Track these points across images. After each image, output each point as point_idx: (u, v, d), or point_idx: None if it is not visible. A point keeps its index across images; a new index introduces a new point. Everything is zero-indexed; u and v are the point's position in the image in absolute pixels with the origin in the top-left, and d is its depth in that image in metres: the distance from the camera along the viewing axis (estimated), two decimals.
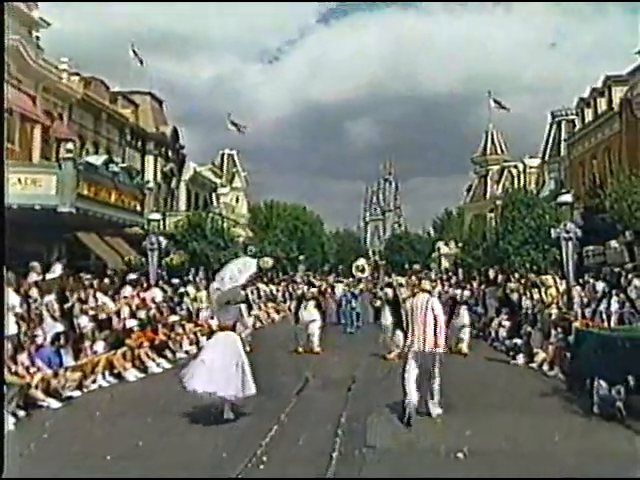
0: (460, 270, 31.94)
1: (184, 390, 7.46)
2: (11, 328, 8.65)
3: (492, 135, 41.43)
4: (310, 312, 12.86)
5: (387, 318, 12.48)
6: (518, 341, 12.79)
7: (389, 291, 13.55)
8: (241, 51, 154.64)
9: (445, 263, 40.93)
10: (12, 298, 9.14)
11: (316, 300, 13.19)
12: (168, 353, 13.36)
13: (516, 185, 34.02)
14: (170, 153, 26.22)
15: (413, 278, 52.10)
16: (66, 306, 10.97)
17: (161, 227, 21.56)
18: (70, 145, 13.18)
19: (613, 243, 12.07)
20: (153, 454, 6.35)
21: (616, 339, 8.54)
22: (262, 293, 26.70)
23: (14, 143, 15.58)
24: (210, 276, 19.86)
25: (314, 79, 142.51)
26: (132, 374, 11.07)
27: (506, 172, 37.73)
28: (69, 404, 8.73)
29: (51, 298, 10.59)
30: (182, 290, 17.21)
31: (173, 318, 15.19)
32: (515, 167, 36.43)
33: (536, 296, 14.61)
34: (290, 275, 38.05)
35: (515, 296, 14.73)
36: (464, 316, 13.47)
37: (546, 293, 14.13)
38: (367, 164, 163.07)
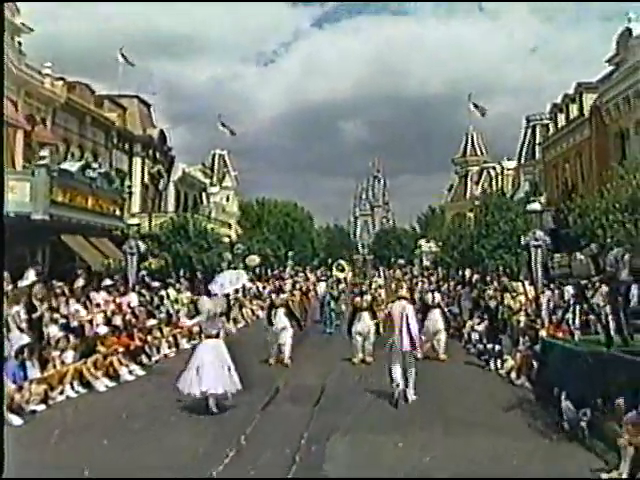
0: (439, 268, 31.57)
1: (163, 398, 8.25)
2: None
3: (472, 137, 40.97)
4: (281, 320, 11.95)
5: (368, 324, 11.91)
6: (496, 347, 12.26)
7: (368, 298, 12.83)
8: (238, 53, 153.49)
9: (426, 261, 40.51)
10: None
11: (286, 307, 12.22)
12: (144, 358, 12.85)
13: (494, 186, 33.63)
14: (158, 155, 25.51)
15: (398, 272, 51.95)
16: (35, 315, 10.37)
17: (147, 228, 21.03)
18: (44, 152, 12.50)
19: (579, 255, 11.60)
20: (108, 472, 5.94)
21: (579, 354, 8.06)
22: (248, 291, 26.22)
23: None
24: (192, 278, 19.31)
25: (308, 80, 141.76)
26: (102, 383, 10.40)
27: (485, 173, 37.32)
28: (32, 419, 8.12)
29: (18, 309, 9.93)
30: (162, 293, 16.66)
31: (151, 322, 14.61)
32: (493, 168, 36.03)
33: (507, 301, 14.18)
34: (278, 271, 37.52)
35: (493, 303, 14.13)
36: (438, 320, 12.79)
37: (514, 299, 13.71)
38: (358, 162, 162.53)
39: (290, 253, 45.52)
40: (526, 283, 14.58)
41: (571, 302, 10.83)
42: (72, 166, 13.44)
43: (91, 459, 6.27)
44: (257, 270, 31.95)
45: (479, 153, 40.68)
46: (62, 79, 18.87)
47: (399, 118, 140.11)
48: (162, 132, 26.06)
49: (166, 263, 18.09)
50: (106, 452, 6.59)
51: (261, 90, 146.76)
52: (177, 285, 18.12)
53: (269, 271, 35.81)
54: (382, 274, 58.79)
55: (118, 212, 15.36)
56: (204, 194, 34.08)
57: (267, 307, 12.51)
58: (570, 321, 10.90)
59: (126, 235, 19.44)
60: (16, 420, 7.88)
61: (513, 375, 10.27)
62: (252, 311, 23.97)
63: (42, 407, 8.71)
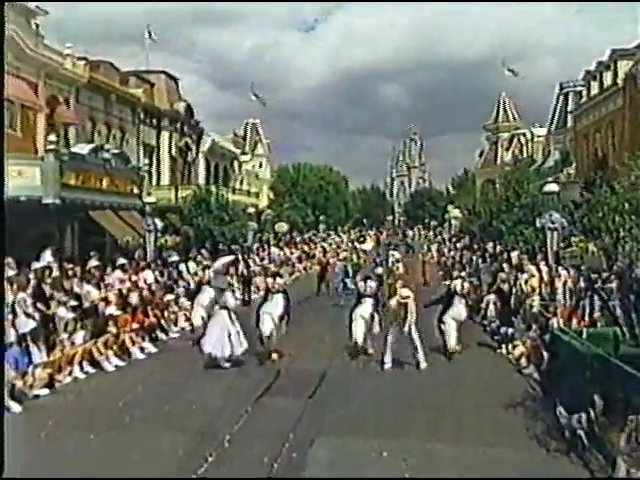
0: (466, 237, 30.27)
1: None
2: None
3: (504, 103, 38.63)
4: (275, 306, 9.96)
5: (366, 310, 10.29)
6: (509, 330, 11.43)
7: (372, 284, 10.97)
8: (280, 22, 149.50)
9: (454, 225, 39.04)
10: None
11: (284, 293, 10.26)
12: (160, 333, 12.71)
13: (524, 153, 31.69)
14: (185, 128, 25.03)
15: (430, 233, 50.57)
16: (43, 299, 10.21)
17: (172, 201, 20.79)
18: (52, 137, 12.12)
19: (591, 246, 10.49)
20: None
21: (585, 356, 7.11)
22: (275, 257, 25.90)
23: (16, 130, 14.68)
24: (214, 251, 19.02)
25: (348, 47, 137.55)
26: (112, 364, 10.22)
27: (515, 140, 35.21)
28: (32, 406, 7.90)
29: (24, 295, 9.78)
30: (182, 266, 16.43)
31: (169, 297, 14.46)
32: (524, 135, 33.89)
33: (520, 283, 13.18)
34: (308, 236, 37.10)
35: (506, 286, 13.08)
36: (462, 312, 10.99)
37: (526, 283, 12.72)
38: (395, 124, 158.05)
39: (321, 217, 45.04)
40: (542, 264, 13.55)
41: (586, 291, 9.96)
42: (83, 149, 13.06)
43: (77, 454, 6.12)
44: (285, 237, 31.54)
45: (511, 119, 38.41)
46: (85, 59, 18.44)
47: (438, 81, 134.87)
48: (189, 106, 25.47)
49: (185, 238, 17.85)
50: (92, 448, 6.36)
51: (302, 57, 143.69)
52: (198, 257, 17.90)
53: (298, 236, 35.35)
54: (414, 234, 58.21)
55: (136, 190, 15.01)
56: (235, 163, 33.58)
57: (264, 290, 10.84)
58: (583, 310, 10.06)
59: (159, 206, 19.36)
60: (15, 407, 7.71)
61: (523, 362, 9.48)
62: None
63: (46, 392, 8.53)
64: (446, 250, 30.83)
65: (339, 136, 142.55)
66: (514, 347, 10.43)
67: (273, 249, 27.85)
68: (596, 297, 9.63)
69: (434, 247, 34.33)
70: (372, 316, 10.48)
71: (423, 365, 9.48)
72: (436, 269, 23.34)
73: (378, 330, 10.42)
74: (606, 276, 9.38)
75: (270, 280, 10.47)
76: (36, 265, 11.38)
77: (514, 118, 38.70)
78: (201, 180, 26.79)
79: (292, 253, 29.45)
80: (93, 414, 7.55)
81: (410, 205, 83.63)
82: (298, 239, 35.22)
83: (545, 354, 8.90)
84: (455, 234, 34.66)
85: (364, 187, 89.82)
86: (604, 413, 6.18)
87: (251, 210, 25.32)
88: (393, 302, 9.76)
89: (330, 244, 34.99)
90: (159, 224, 14.92)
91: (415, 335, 9.52)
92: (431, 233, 54.97)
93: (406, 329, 9.47)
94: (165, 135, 23.49)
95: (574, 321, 10.03)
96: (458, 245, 31.12)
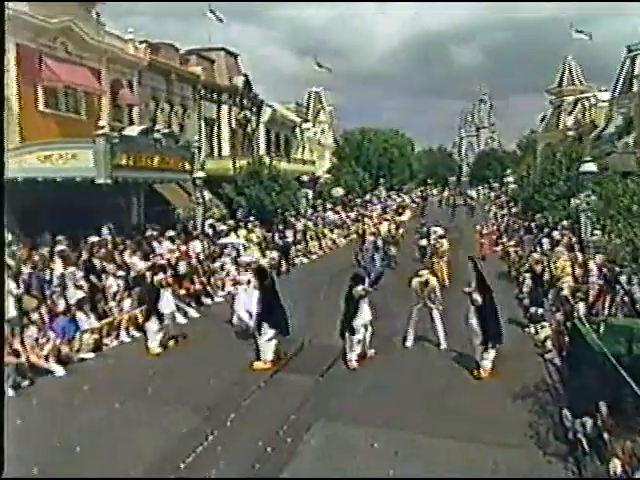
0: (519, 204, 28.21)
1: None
2: (11, 311, 8.44)
3: (569, 66, 34.69)
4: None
5: (364, 316, 8.50)
6: (539, 310, 10.56)
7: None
8: None
9: (510, 190, 36.48)
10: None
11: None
12: (206, 299, 13.04)
13: (587, 118, 28.53)
14: (245, 101, 24.86)
15: (492, 194, 47.32)
16: (94, 271, 10.74)
17: (231, 172, 20.89)
18: (103, 122, 12.42)
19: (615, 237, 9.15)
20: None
21: (596, 354, 6.15)
22: (328, 220, 25.59)
23: (80, 114, 15.23)
24: (264, 220, 19.06)
25: (424, 10, 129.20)
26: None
27: (579, 104, 31.71)
28: (74, 370, 8.37)
29: (72, 269, 10.32)
30: (232, 235, 16.61)
31: (216, 264, 14.71)
32: (587, 99, 30.41)
33: (552, 265, 12.00)
34: (365, 200, 36.36)
35: (539, 267, 12.02)
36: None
37: (557, 266, 11.56)
38: (466, 85, 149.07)
39: (381, 180, 43.94)
40: (576, 247, 12.27)
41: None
42: (133, 131, 13.30)
43: (93, 424, 6.34)
44: (341, 201, 31.02)
45: (577, 82, 34.51)
46: (146, 42, 18.59)
47: (508, 42, 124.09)
48: (247, 80, 25.19)
49: (236, 208, 17.95)
50: (110, 419, 6.58)
51: (377, 22, 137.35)
52: (249, 225, 18.03)
53: (355, 199, 34.67)
54: (478, 194, 55.29)
55: (187, 166, 15.18)
56: (298, 130, 33.12)
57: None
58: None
59: (220, 176, 19.58)
60: (59, 371, 8.21)
61: (548, 344, 8.79)
62: (333, 241, 23.57)
63: (91, 355, 9.06)
64: (499, 216, 29.03)
65: (410, 99, 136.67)
66: (541, 328, 9.71)
67: (329, 212, 27.58)
68: (619, 288, 8.62)
69: (492, 211, 32.47)
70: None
71: (443, 346, 8.89)
72: (495, 237, 20.86)
73: None
74: (628, 271, 8.22)
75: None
76: (91, 239, 12.00)
77: (580, 82, 34.75)
78: (262, 150, 26.73)
79: (348, 216, 29.06)
80: (121, 383, 7.86)
81: (477, 165, 79.82)
82: (358, 201, 34.62)
83: (567, 340, 8.13)
84: (512, 198, 32.38)
85: (430, 148, 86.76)
86: (613, 417, 5.50)
87: (305, 178, 25.00)
88: (415, 282, 9.30)
89: (385, 208, 34.12)
90: (207, 196, 15.09)
91: (436, 315, 8.99)
92: (493, 194, 52.10)
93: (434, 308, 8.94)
94: (225, 109, 23.49)
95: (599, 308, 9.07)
96: (513, 210, 29.16)
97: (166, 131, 14.37)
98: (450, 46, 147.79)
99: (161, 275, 9.80)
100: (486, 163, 75.24)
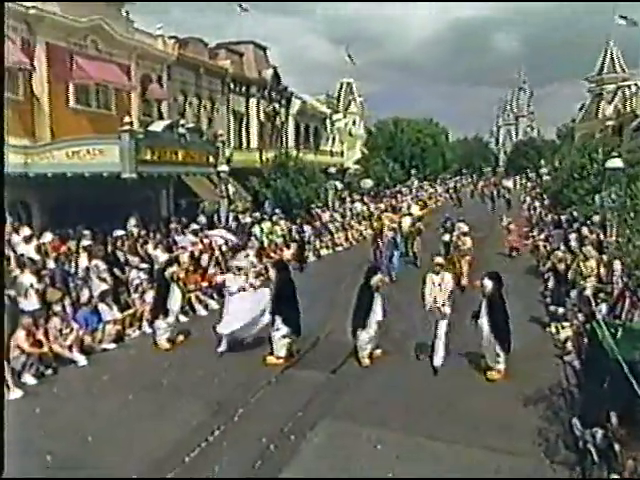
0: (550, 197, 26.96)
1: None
2: (34, 303, 8.63)
3: (611, 53, 32.58)
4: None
5: (378, 313, 8.17)
6: (559, 309, 10.14)
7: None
8: None
9: (545, 181, 34.97)
10: (28, 277, 9.04)
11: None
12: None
13: (628, 108, 26.79)
14: (273, 94, 24.69)
15: (529, 184, 45.75)
16: (117, 264, 10.89)
17: (257, 164, 20.85)
18: (128, 118, 12.52)
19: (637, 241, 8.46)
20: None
21: (609, 361, 5.87)
22: (355, 212, 25.24)
23: (111, 110, 15.46)
24: (289, 211, 18.96)
25: None
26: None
27: (620, 92, 29.81)
28: (96, 360, 8.49)
29: (96, 262, 10.48)
30: (255, 227, 16.60)
31: (239, 256, 14.70)
32: (629, 88, 28.54)
33: (577, 263, 11.34)
34: (397, 190, 35.70)
35: (562, 266, 11.42)
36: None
37: (584, 263, 10.88)
38: (504, 73, 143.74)
39: (413, 171, 43.07)
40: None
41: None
42: (158, 126, 13.38)
43: (108, 415, 6.41)
44: (370, 192, 30.53)
45: (618, 70, 32.39)
46: (174, 37, 18.66)
47: (547, 29, 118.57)
48: (276, 72, 24.98)
49: (262, 200, 17.86)
50: (124, 411, 6.62)
51: (413, 9, 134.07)
52: (274, 217, 17.97)
53: (385, 191, 34.08)
54: (515, 184, 53.37)
55: (212, 159, 15.22)
56: (328, 122, 32.72)
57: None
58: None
59: (250, 168, 19.59)
60: (81, 360, 8.35)
61: (569, 346, 8.36)
62: (360, 232, 23.23)
63: (113, 346, 9.19)
64: (532, 207, 27.89)
65: (446, 87, 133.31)
66: (562, 328, 9.23)
67: (356, 204, 27.19)
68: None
69: (526, 202, 31.32)
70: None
71: (437, 363, 7.88)
72: (525, 231, 19.78)
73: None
74: None
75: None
76: (116, 233, 12.19)
77: (622, 69, 32.62)
78: (291, 142, 26.56)
79: (377, 208, 28.55)
80: (139, 374, 7.93)
81: (514, 154, 77.15)
82: (388, 192, 34.04)
83: (586, 342, 7.68)
84: (545, 190, 31.08)
85: (465, 137, 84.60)
86: (625, 427, 5.13)
87: (332, 170, 24.69)
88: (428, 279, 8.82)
89: (416, 197, 33.37)
90: (232, 189, 15.08)
91: (442, 328, 7.98)
92: (529, 185, 50.18)
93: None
94: (253, 102, 23.41)
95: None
96: (545, 203, 27.97)
97: (190, 126, 14.40)
98: (487, 33, 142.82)
99: (174, 268, 9.59)
100: (524, 152, 72.64)
